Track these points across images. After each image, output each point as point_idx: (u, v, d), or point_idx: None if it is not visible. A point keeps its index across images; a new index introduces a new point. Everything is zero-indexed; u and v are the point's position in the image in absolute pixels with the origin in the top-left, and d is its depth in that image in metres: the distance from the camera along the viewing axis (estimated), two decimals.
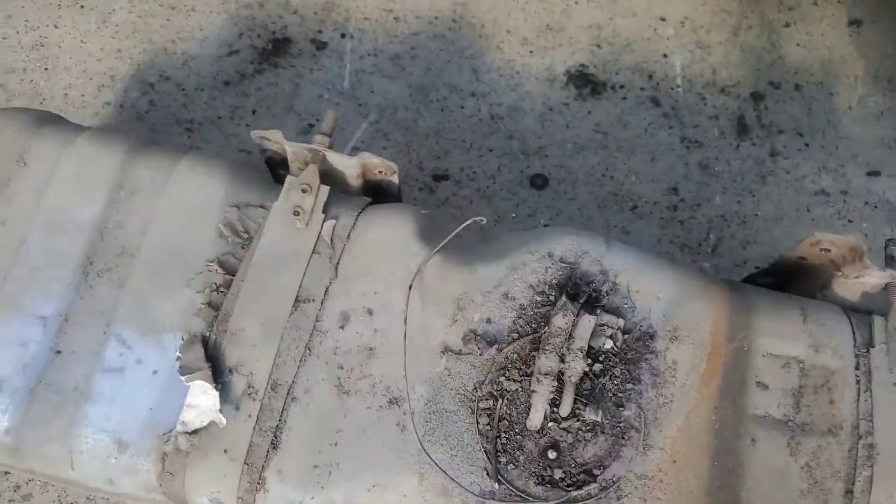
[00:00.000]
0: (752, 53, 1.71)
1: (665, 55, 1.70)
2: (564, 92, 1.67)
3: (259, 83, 1.66)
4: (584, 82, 1.67)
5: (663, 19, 1.73)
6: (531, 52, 1.70)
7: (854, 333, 0.91)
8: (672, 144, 1.61)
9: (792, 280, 1.04)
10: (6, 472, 1.26)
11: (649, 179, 1.57)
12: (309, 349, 0.95)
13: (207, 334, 0.95)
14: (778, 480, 0.83)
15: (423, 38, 1.70)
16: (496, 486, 0.82)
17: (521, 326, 0.90)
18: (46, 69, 1.66)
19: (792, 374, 0.88)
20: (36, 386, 0.92)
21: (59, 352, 0.93)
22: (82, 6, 1.71)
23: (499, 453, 0.84)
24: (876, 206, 1.54)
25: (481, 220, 0.98)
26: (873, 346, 0.89)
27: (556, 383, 0.83)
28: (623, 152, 1.60)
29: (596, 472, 0.83)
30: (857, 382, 0.87)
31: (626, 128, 1.63)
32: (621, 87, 1.67)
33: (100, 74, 1.66)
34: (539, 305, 0.90)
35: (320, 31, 1.70)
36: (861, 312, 0.94)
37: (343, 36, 1.70)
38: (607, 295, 0.90)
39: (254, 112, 1.63)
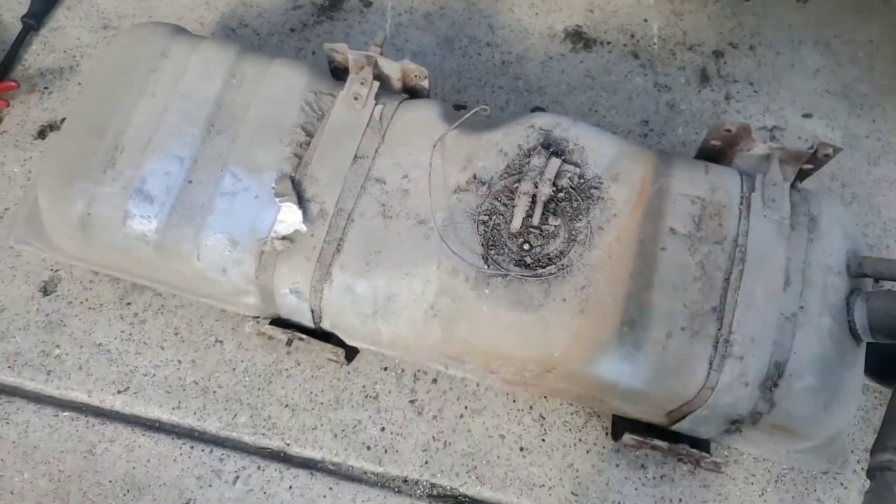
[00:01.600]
0: (717, 20, 2.10)
1: (645, 19, 2.10)
2: (562, 45, 2.07)
3: (318, 31, 2.07)
4: (579, 38, 2.08)
5: None
6: (536, 13, 2.10)
7: (742, 184, 1.30)
8: (646, 88, 2.01)
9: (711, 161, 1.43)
10: (128, 304, 1.67)
11: (626, 114, 1.97)
12: (363, 189, 1.35)
13: (293, 175, 1.36)
14: (679, 271, 1.22)
15: (450, 0, 2.11)
16: (487, 266, 1.23)
17: (509, 170, 1.30)
18: (150, 16, 2.08)
19: (695, 206, 1.27)
20: (175, 202, 1.33)
21: (190, 181, 1.35)
22: None
23: (491, 247, 1.25)
24: (806, 140, 1.93)
25: (485, 109, 1.39)
26: (753, 192, 1.28)
27: (531, 201, 1.23)
28: (606, 92, 2.00)
29: (555, 259, 1.23)
30: (740, 213, 1.26)
31: (609, 74, 2.03)
32: (608, 43, 2.07)
33: (192, 21, 2.08)
34: (523, 157, 1.30)
35: None
36: (750, 175, 1.33)
37: None
38: (570, 152, 1.30)
39: (313, 53, 2.04)
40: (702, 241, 1.25)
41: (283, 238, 1.32)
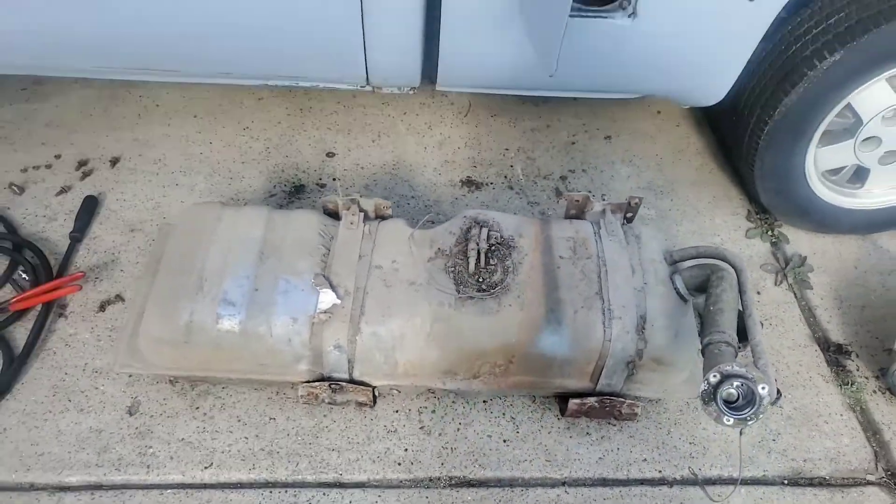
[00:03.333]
0: (557, 157, 3.15)
1: (511, 165, 3.12)
2: (461, 190, 3.01)
3: (291, 208, 2.90)
4: (471, 184, 3.04)
5: (507, 149, 3.17)
6: (440, 174, 3.07)
7: (594, 228, 2.19)
8: (523, 206, 2.96)
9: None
10: (197, 408, 2.23)
11: None
12: (369, 274, 2.11)
13: (323, 273, 2.09)
14: (571, 276, 2.05)
15: (380, 175, 3.04)
16: (459, 294, 2.00)
17: (458, 241, 2.12)
18: (164, 218, 2.83)
19: (570, 242, 2.13)
20: (249, 303, 2.01)
21: (256, 289, 2.04)
22: (177, 184, 2.95)
23: (459, 285, 2.02)
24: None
25: (431, 216, 2.24)
26: (601, 229, 2.17)
27: (477, 253, 2.05)
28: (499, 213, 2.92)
29: (499, 284, 2.02)
30: (596, 241, 2.14)
31: (497, 202, 2.97)
32: (491, 183, 3.04)
33: None
34: (465, 232, 2.14)
35: (321, 178, 3.01)
36: (597, 222, 2.24)
37: (334, 179, 3.01)
38: (491, 226, 2.16)
39: None
40: (579, 259, 2.10)
41: (325, 312, 2.03)
